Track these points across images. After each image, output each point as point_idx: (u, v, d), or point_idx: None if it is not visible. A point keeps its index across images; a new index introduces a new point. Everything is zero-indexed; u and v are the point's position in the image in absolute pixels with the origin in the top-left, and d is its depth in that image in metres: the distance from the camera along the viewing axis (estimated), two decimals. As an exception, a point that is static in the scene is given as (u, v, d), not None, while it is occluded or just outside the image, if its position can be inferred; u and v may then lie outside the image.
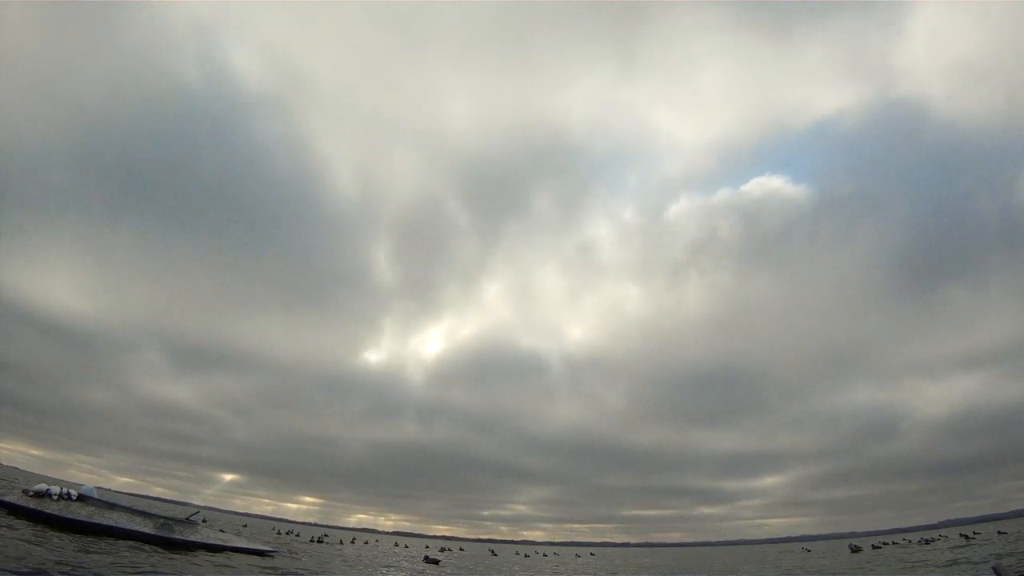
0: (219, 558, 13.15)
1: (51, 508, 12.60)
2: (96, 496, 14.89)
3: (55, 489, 13.62)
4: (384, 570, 15.06)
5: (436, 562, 22.42)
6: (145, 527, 13.41)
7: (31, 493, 13.39)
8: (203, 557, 12.50)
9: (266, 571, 12.00)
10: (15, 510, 12.30)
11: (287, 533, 39.36)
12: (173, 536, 13.85)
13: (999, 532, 36.14)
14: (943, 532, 68.77)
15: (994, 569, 13.31)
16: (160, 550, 12.27)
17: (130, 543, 12.34)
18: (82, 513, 12.77)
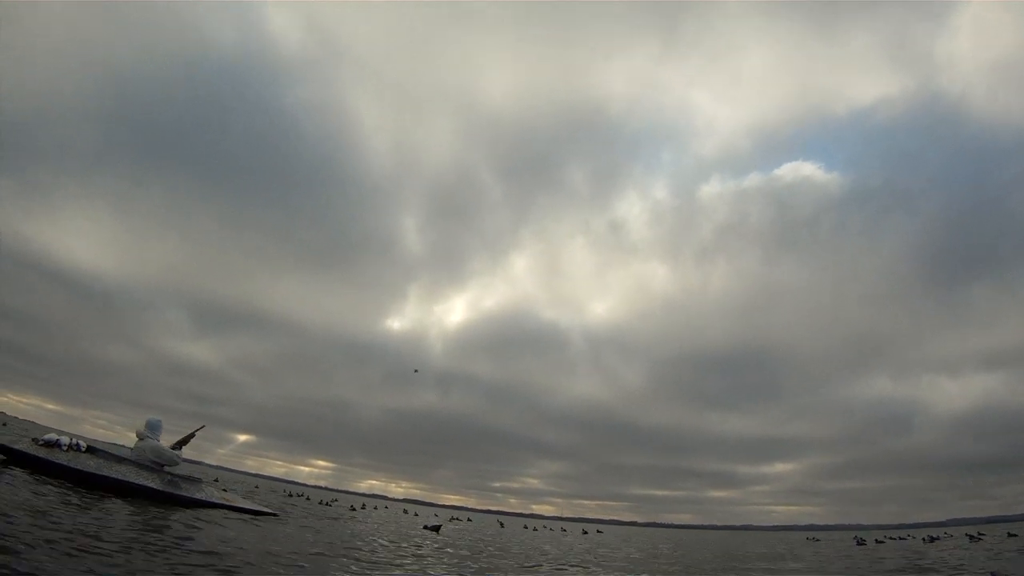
0: (215, 514, 13.21)
1: (60, 458, 12.69)
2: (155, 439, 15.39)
3: (64, 439, 13.76)
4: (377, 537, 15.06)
5: (436, 529, 22.56)
6: (152, 482, 13.53)
7: (41, 442, 13.55)
8: (191, 513, 12.54)
9: (257, 527, 12.08)
10: (23, 458, 12.43)
11: (297, 495, 39.91)
12: (179, 492, 13.97)
13: (1009, 534, 35.65)
14: (950, 530, 68.30)
15: (993, 575, 13.08)
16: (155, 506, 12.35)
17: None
18: (90, 464, 12.88)
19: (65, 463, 12.52)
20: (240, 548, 8.76)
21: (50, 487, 10.46)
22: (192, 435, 16.24)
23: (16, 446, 12.97)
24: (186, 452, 16.06)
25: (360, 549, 12.03)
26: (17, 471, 11.45)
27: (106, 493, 11.84)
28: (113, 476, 12.80)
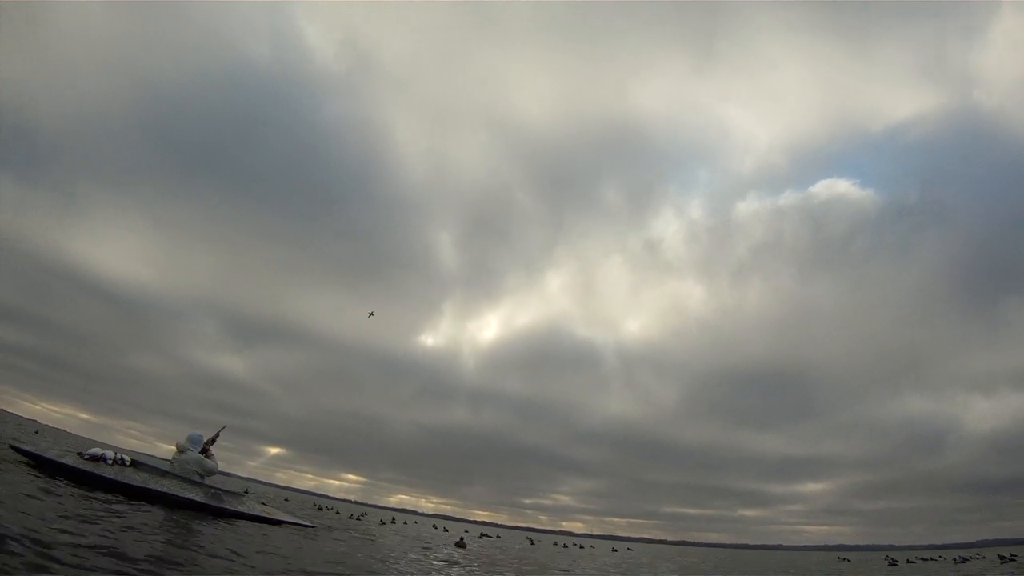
0: (263, 528, 13.43)
1: (106, 472, 12.96)
2: (201, 441, 15.82)
3: (109, 453, 14.07)
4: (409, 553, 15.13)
5: (463, 546, 22.56)
6: (196, 495, 13.76)
7: (86, 456, 13.85)
8: (246, 526, 12.77)
9: (305, 539, 12.21)
10: (71, 473, 12.71)
11: (327, 509, 40.09)
12: (222, 506, 14.21)
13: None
14: (981, 551, 66.44)
15: None
16: (209, 517, 12.57)
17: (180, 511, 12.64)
18: (136, 479, 13.14)
19: (113, 477, 12.79)
20: (284, 556, 8.92)
21: (97, 501, 10.68)
22: (217, 435, 16.48)
23: (64, 460, 13.26)
24: (218, 465, 16.22)
25: (395, 560, 12.11)
26: (64, 483, 11.68)
27: (152, 505, 12.03)
28: (160, 490, 13.06)
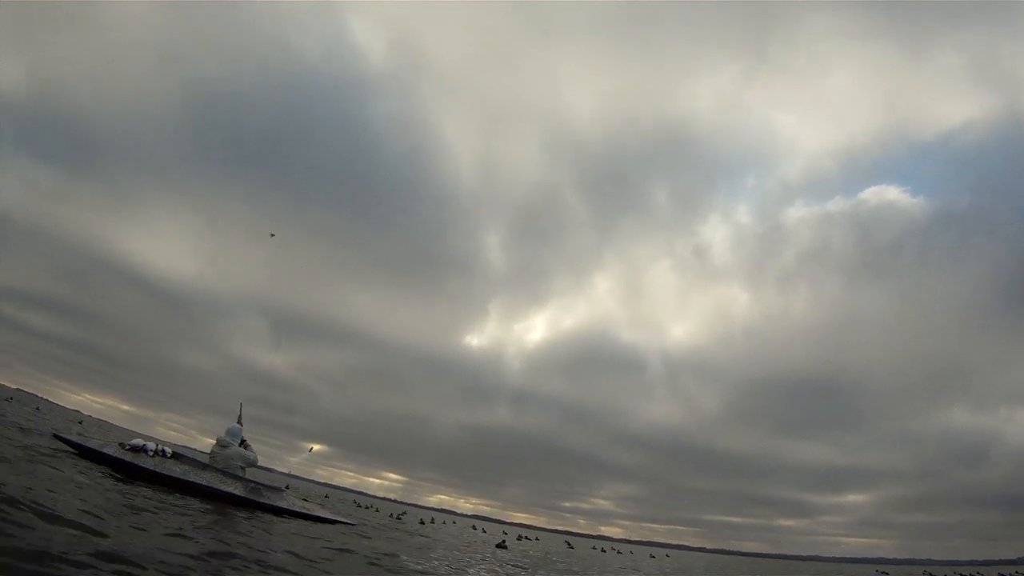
0: (303, 524, 13.15)
1: (146, 463, 12.83)
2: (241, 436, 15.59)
3: (151, 445, 13.96)
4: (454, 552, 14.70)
5: (505, 547, 22.12)
6: (235, 489, 13.54)
7: (127, 447, 13.76)
8: (288, 523, 12.50)
9: (348, 538, 11.85)
10: (112, 462, 12.61)
11: (367, 507, 40.06)
12: (261, 500, 13.97)
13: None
14: (1021, 569, 63.69)
15: None
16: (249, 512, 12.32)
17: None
18: (176, 470, 13.00)
19: (152, 468, 12.65)
20: (320, 553, 8.55)
21: (140, 490, 10.47)
22: (240, 415, 16.23)
23: (105, 450, 13.19)
24: (257, 457, 15.99)
25: (437, 560, 11.70)
26: (102, 472, 11.53)
27: (192, 498, 11.83)
28: (198, 482, 12.89)
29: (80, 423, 41.60)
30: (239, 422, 15.99)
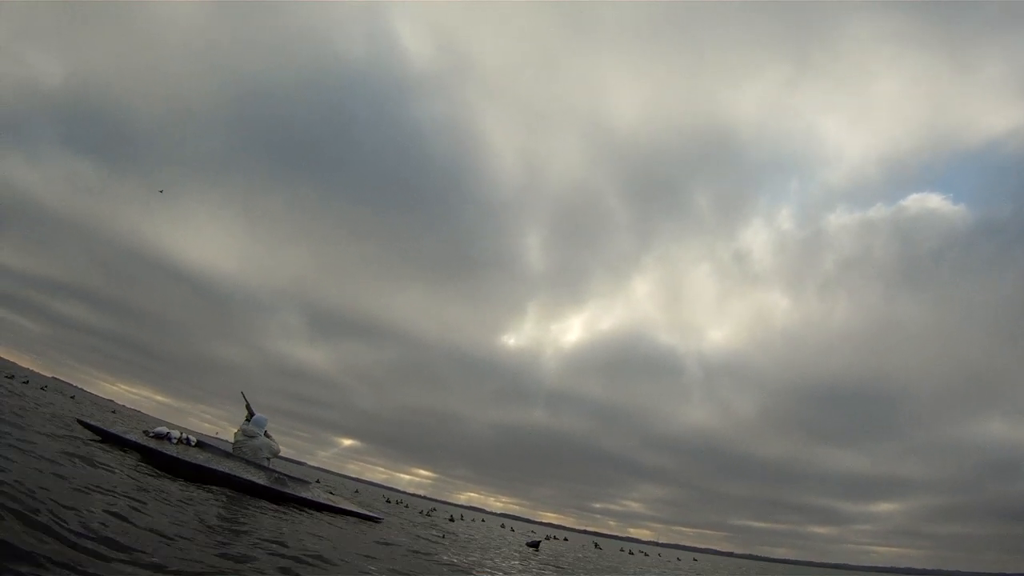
0: (326, 517, 12.69)
1: (169, 449, 12.53)
2: (267, 433, 15.38)
3: (175, 433, 13.75)
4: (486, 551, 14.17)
5: (536, 545, 21.56)
6: (259, 478, 13.13)
7: (151, 434, 13.59)
8: (311, 514, 12.05)
9: (375, 538, 11.33)
10: (134, 448, 12.32)
11: (396, 502, 39.83)
12: (286, 490, 13.54)
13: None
14: None
15: None
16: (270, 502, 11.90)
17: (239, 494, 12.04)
18: (199, 458, 12.66)
19: (175, 454, 12.34)
20: (341, 547, 8.02)
21: (164, 480, 10.09)
22: (247, 404, 15.93)
23: (128, 436, 12.96)
24: (288, 452, 15.71)
25: (474, 557, 11.16)
26: (128, 458, 11.20)
27: (212, 486, 11.46)
28: (221, 470, 12.50)
29: (114, 412, 41.96)
30: (247, 410, 15.73)
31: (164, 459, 12.25)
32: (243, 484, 12.62)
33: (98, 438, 13.25)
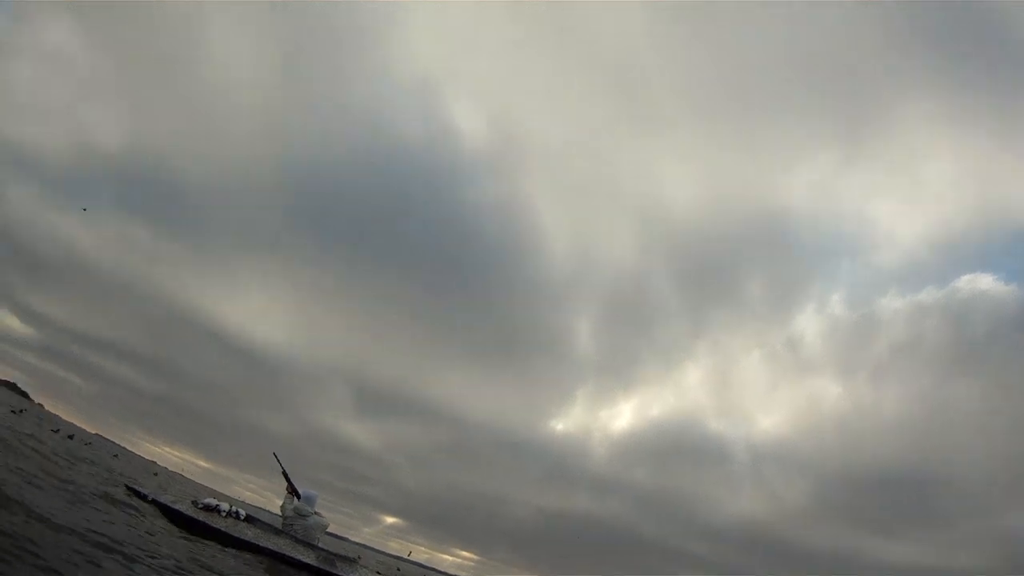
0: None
1: (218, 523, 12.15)
2: (316, 499, 15.15)
3: (224, 505, 13.34)
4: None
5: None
6: (308, 558, 12.62)
7: (200, 505, 13.18)
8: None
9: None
10: (184, 520, 11.96)
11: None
12: (335, 571, 13.00)
13: None
14: None
15: None
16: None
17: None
18: (248, 534, 12.25)
19: (224, 529, 11.96)
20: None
21: (210, 549, 9.66)
22: (283, 470, 15.64)
23: (177, 506, 12.60)
24: (331, 527, 15.21)
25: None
26: (171, 527, 10.84)
27: (262, 559, 11.04)
28: (272, 548, 12.10)
29: (155, 475, 41.91)
30: (285, 477, 15.32)
31: (213, 533, 11.90)
32: (295, 563, 12.22)
33: (147, 503, 12.96)
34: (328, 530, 15.31)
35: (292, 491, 15.30)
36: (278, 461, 15.68)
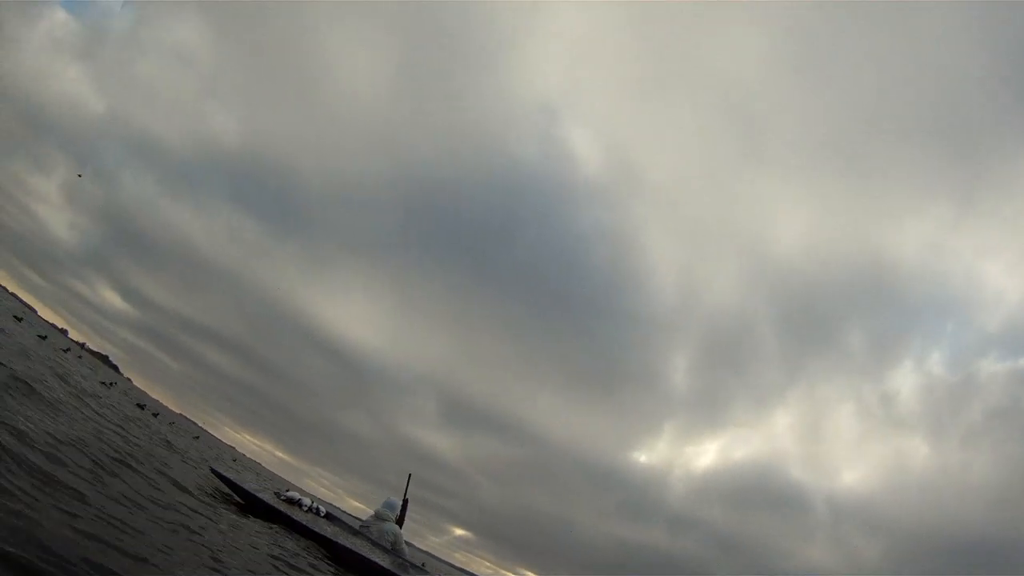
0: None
1: (299, 516, 12.23)
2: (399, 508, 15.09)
3: (306, 500, 13.50)
4: None
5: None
6: (382, 561, 12.50)
7: (283, 497, 13.35)
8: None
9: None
10: (264, 507, 12.09)
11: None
12: (403, 576, 12.81)
13: None
14: None
15: None
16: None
17: None
18: (327, 531, 12.26)
19: (305, 523, 12.00)
20: None
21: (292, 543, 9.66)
22: (407, 487, 15.58)
23: (260, 495, 12.74)
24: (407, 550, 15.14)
25: None
26: (251, 517, 10.92)
27: (336, 559, 11.00)
28: (347, 546, 12.02)
29: (235, 460, 43.26)
30: (406, 495, 15.33)
31: (296, 526, 11.96)
32: (368, 564, 12.12)
33: (228, 489, 13.18)
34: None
35: (402, 510, 15.38)
36: (407, 483, 15.80)
